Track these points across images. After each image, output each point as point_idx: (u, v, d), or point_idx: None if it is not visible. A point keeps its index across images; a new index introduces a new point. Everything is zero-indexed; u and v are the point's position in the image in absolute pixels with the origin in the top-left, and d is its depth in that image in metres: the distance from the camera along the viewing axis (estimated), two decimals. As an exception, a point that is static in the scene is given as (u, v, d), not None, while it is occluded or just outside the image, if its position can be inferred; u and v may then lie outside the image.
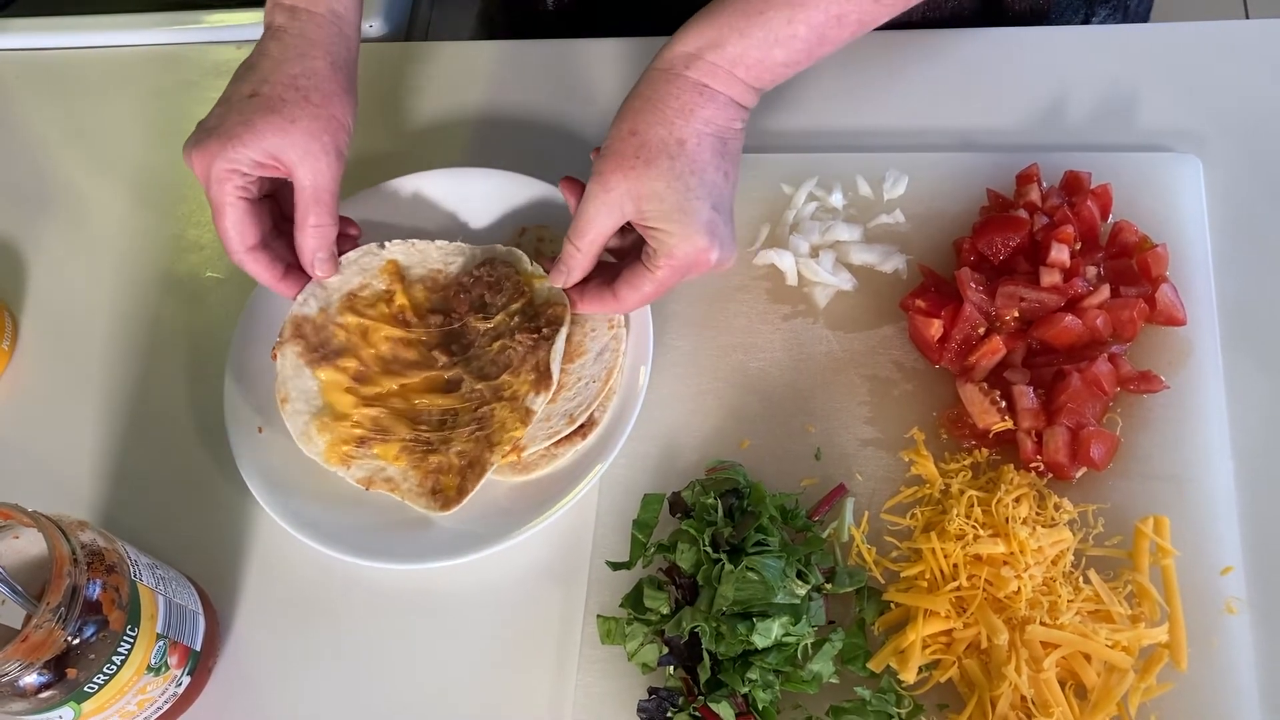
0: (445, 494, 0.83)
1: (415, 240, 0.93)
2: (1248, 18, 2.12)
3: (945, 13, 1.01)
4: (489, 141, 1.04)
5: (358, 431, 0.85)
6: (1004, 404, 0.80)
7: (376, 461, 0.85)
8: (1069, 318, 0.81)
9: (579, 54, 1.07)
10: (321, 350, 0.88)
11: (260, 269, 0.86)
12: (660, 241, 0.78)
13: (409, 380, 0.88)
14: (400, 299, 0.90)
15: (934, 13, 1.01)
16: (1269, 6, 2.15)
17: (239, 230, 0.84)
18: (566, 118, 1.03)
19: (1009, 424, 0.79)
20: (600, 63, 1.05)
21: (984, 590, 0.74)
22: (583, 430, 0.85)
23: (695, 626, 0.74)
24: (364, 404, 0.87)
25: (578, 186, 0.83)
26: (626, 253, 0.86)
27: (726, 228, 0.79)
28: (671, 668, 0.76)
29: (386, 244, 0.92)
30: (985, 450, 0.81)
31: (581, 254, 0.82)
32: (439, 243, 0.93)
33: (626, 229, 0.83)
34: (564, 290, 0.86)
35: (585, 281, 0.85)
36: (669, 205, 0.76)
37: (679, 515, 0.81)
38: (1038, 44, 0.98)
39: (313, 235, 0.86)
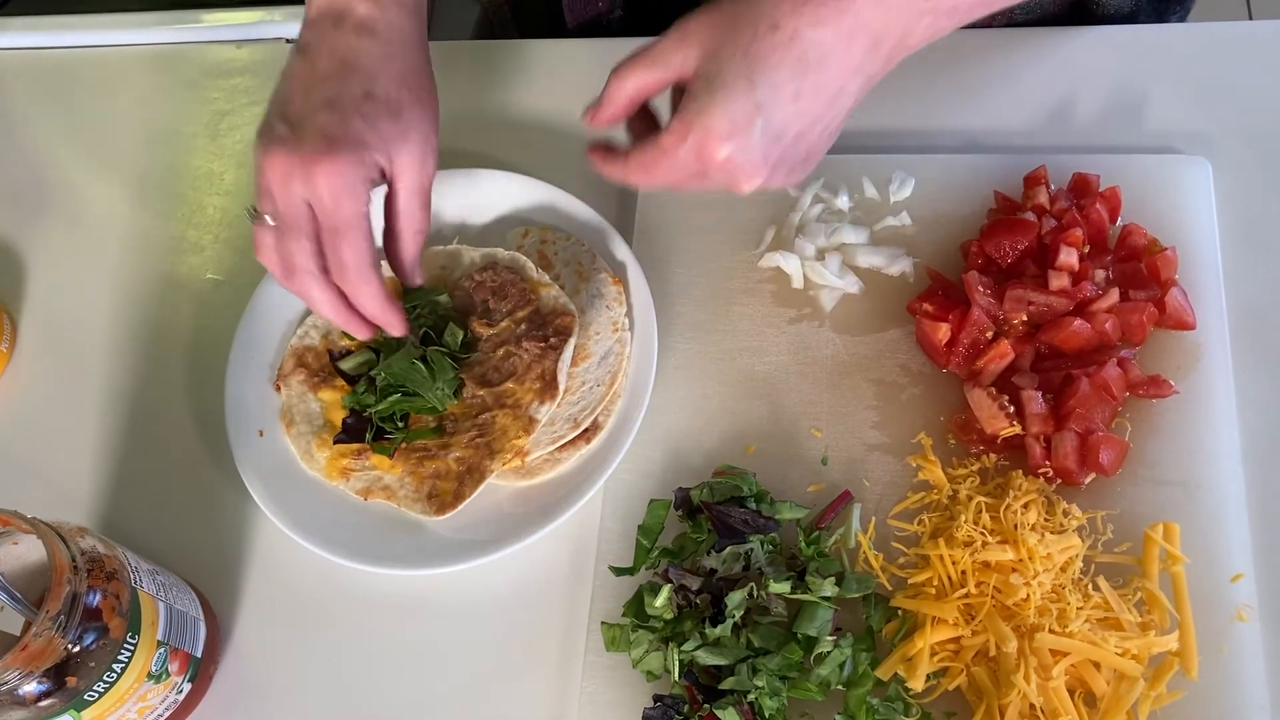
0: (441, 499, 0.83)
1: None
2: (1250, 19, 2.12)
3: (1036, 14, 1.00)
4: (489, 142, 1.03)
5: (355, 444, 0.85)
6: (1012, 409, 0.79)
7: (373, 471, 0.85)
8: (1078, 322, 0.80)
9: (581, 54, 1.06)
10: (323, 374, 0.88)
11: (383, 292, 0.78)
12: (684, 106, 0.69)
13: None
14: None
15: (1026, 14, 0.99)
16: (1271, 8, 2.15)
17: (371, 248, 0.76)
18: (567, 118, 1.02)
19: (1017, 429, 0.79)
20: (603, 63, 1.04)
21: (992, 597, 0.74)
22: (587, 435, 0.85)
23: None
24: None
25: None
26: None
27: (765, 142, 0.68)
28: (677, 674, 0.75)
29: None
30: (993, 455, 0.80)
31: (621, 87, 0.72)
32: (434, 249, 0.93)
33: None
34: (589, 149, 0.76)
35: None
36: (718, 72, 0.68)
37: (682, 512, 0.81)
38: (1044, 45, 0.98)
39: (416, 240, 0.80)
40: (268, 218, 0.76)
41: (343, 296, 0.78)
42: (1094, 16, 1.00)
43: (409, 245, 0.80)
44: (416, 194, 0.78)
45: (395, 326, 0.80)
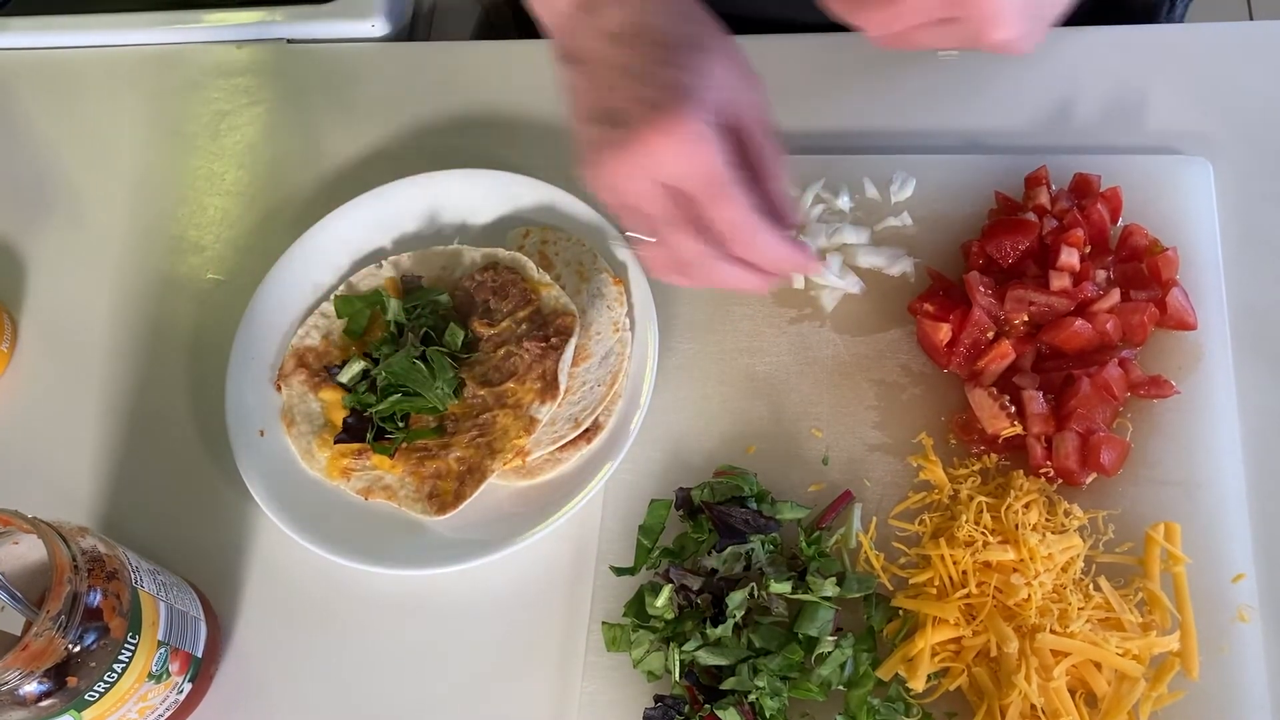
0: (442, 499, 0.83)
1: (410, 254, 0.93)
2: (1250, 19, 2.12)
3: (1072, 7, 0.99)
4: (489, 141, 1.03)
5: (355, 444, 0.85)
6: (1013, 409, 0.79)
7: (374, 471, 0.85)
8: (1079, 322, 0.80)
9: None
10: (324, 375, 0.88)
11: (779, 235, 0.67)
12: None
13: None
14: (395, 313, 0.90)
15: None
16: (1271, 8, 2.15)
17: (749, 195, 0.65)
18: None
19: (1018, 429, 0.79)
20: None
21: (993, 597, 0.73)
22: (587, 435, 0.85)
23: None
24: None
25: None
26: None
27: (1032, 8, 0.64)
28: (678, 675, 0.75)
29: (383, 262, 0.93)
30: (994, 456, 0.80)
31: None
32: (435, 249, 0.93)
33: None
34: None
35: None
36: None
37: (683, 512, 0.81)
38: (1045, 45, 0.97)
39: (778, 170, 0.69)
40: (642, 237, 0.67)
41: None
42: (1123, 9, 1.00)
43: (772, 180, 0.68)
44: (759, 123, 0.67)
45: (809, 265, 0.71)
